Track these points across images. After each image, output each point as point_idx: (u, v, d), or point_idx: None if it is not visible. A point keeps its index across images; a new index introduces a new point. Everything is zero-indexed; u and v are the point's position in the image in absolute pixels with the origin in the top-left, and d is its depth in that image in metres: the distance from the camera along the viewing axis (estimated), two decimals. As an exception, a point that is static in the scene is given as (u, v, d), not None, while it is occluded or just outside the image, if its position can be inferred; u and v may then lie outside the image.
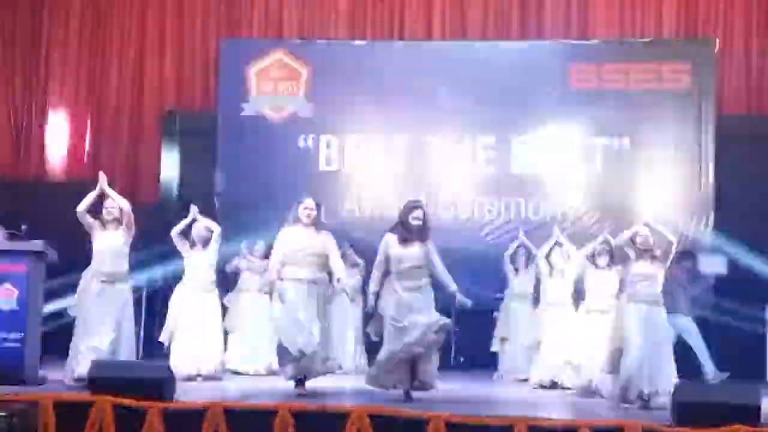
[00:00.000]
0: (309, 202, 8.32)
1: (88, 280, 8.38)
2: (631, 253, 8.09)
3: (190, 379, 8.98)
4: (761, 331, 11.28)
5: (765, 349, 11.34)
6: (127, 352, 8.27)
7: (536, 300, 10.28)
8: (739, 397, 6.53)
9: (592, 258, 9.25)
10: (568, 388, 9.38)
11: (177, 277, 10.07)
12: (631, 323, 7.84)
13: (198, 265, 9.70)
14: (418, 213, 8.07)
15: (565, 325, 9.65)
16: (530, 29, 13.05)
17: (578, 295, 9.56)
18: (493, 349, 10.94)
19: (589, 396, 8.66)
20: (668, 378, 7.59)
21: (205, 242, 9.77)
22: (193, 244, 9.77)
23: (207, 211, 11.98)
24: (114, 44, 13.57)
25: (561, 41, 12.86)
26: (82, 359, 8.00)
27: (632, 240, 8.11)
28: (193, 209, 9.86)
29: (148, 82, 13.49)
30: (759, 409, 6.37)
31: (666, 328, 7.91)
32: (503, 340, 10.80)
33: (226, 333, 10.21)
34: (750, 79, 12.60)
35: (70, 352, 8.26)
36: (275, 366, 10.11)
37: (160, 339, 9.75)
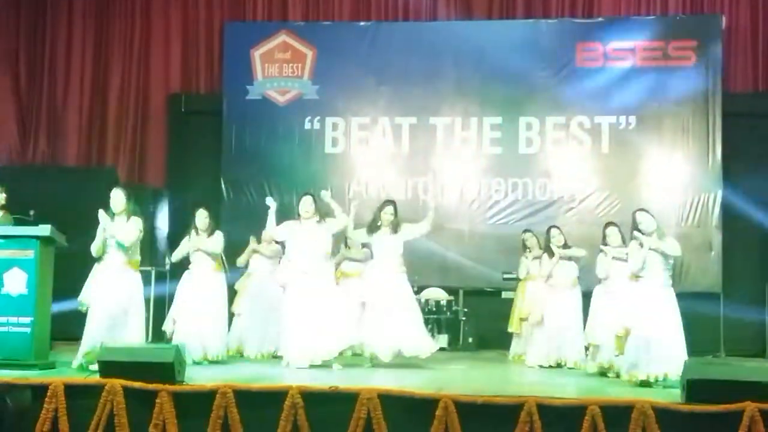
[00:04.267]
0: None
1: (100, 268, 8.38)
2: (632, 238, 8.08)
3: (196, 362, 8.97)
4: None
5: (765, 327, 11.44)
6: (135, 339, 8.29)
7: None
8: (749, 374, 6.52)
9: (603, 238, 9.19)
10: (571, 368, 9.39)
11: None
12: (638, 304, 7.82)
13: (204, 250, 9.63)
14: (388, 209, 9.38)
15: (570, 305, 9.65)
16: (536, 8, 12.95)
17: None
18: (510, 329, 10.88)
19: (601, 376, 8.66)
20: (678, 358, 7.57)
21: (210, 231, 9.66)
22: (196, 231, 9.67)
23: (213, 196, 12.10)
24: (119, 28, 13.52)
25: (566, 20, 12.79)
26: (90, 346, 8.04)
27: (635, 227, 8.09)
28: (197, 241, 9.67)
29: (153, 66, 13.46)
30: (769, 385, 6.36)
31: (674, 308, 7.88)
32: (522, 320, 10.69)
33: (233, 316, 10.21)
34: (756, 55, 12.51)
35: (83, 339, 8.26)
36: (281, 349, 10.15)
37: (164, 328, 9.73)
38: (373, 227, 9.35)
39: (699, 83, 12.21)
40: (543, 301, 9.91)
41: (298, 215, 9.17)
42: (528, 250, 10.75)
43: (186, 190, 12.56)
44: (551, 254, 9.85)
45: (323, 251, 9.08)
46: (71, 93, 13.51)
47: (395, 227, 9.33)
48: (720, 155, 12.01)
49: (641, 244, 7.96)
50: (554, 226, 10.26)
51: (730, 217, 11.88)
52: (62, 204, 10.87)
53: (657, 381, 7.67)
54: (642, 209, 8.26)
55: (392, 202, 9.51)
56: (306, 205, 9.16)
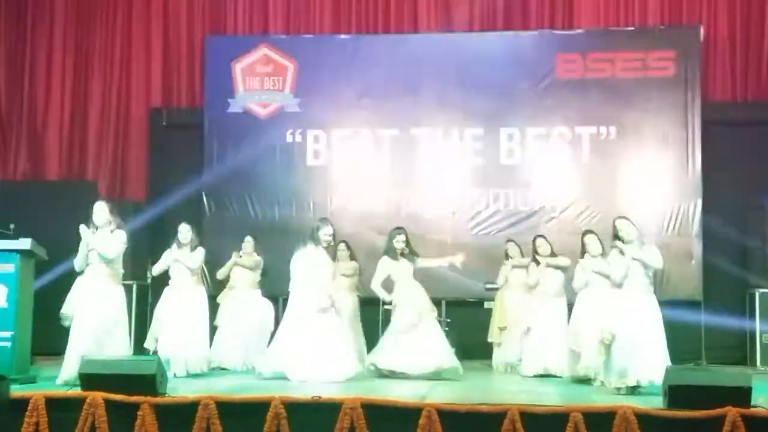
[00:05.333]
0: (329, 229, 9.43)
1: (83, 282, 8.35)
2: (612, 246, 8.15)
3: (178, 376, 8.93)
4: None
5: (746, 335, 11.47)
6: (121, 353, 8.26)
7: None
8: (730, 380, 6.57)
9: (582, 247, 9.25)
10: (560, 377, 9.40)
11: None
12: (622, 310, 7.85)
13: (183, 264, 9.59)
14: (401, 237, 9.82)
15: (556, 314, 9.68)
16: (516, 20, 12.99)
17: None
18: (491, 339, 10.89)
19: (584, 383, 8.68)
20: (661, 364, 7.60)
21: (192, 246, 9.62)
22: (177, 245, 9.64)
23: (195, 209, 12.08)
24: (99, 43, 13.51)
25: (546, 31, 12.84)
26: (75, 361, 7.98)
27: (615, 234, 8.14)
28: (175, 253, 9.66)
29: (134, 80, 13.44)
30: (749, 390, 6.39)
31: (657, 314, 7.92)
32: (501, 329, 10.73)
33: (215, 329, 10.19)
34: (735, 65, 12.59)
35: (66, 353, 8.21)
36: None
37: (146, 345, 9.70)
38: (394, 255, 9.76)
39: (678, 94, 12.25)
40: (529, 310, 9.95)
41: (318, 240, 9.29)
42: (510, 258, 10.83)
43: (167, 204, 12.50)
44: (537, 263, 9.93)
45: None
46: (52, 108, 13.46)
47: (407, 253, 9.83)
48: (700, 164, 12.06)
49: (622, 252, 8.01)
50: (540, 236, 10.35)
51: (710, 226, 11.93)
52: (43, 218, 10.86)
53: (642, 387, 7.70)
54: (622, 217, 8.31)
55: (404, 230, 9.95)
56: (329, 231, 9.33)
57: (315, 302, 9.02)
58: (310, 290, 9.06)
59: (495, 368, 10.67)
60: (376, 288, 9.78)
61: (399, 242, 9.77)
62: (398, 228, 10.01)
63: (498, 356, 10.77)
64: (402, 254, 9.78)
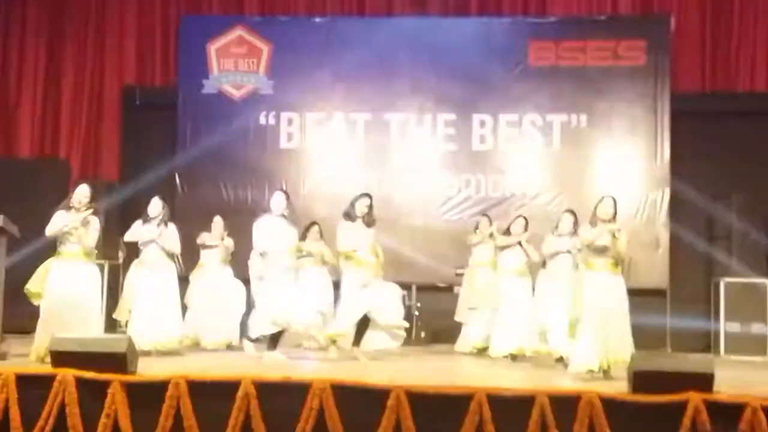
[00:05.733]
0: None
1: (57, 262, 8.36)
2: (590, 222, 8.22)
3: (148, 354, 8.95)
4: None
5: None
6: (93, 331, 8.28)
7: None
8: (693, 366, 6.68)
9: (555, 226, 9.36)
10: (528, 356, 9.49)
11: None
12: (589, 292, 7.94)
13: (163, 247, 9.61)
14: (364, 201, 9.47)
15: (524, 293, 9.78)
16: (489, 5, 13.07)
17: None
18: (458, 318, 10.99)
19: (550, 365, 8.78)
20: (626, 347, 7.71)
21: (162, 220, 9.64)
22: (147, 220, 9.64)
23: (167, 189, 12.06)
24: (74, 19, 13.41)
25: (520, 18, 12.91)
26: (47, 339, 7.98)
27: (594, 209, 8.23)
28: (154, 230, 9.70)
29: (108, 58, 13.37)
30: (712, 377, 6.51)
31: (624, 297, 8.02)
32: (471, 310, 10.79)
33: (185, 307, 10.22)
34: (704, 56, 12.71)
35: (37, 330, 8.22)
36: (235, 341, 10.24)
37: (114, 316, 9.75)
38: (352, 219, 9.43)
39: (648, 83, 12.37)
40: (496, 290, 10.02)
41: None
42: (480, 232, 10.86)
43: (140, 184, 12.47)
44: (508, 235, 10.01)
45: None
46: (24, 85, 13.36)
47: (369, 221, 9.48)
48: (668, 154, 12.20)
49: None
50: (521, 216, 10.39)
51: (677, 215, 12.07)
52: (15, 196, 10.82)
53: (608, 370, 7.80)
54: (609, 195, 8.37)
55: (369, 196, 9.59)
56: (280, 201, 9.29)
57: (253, 269, 9.23)
58: (253, 258, 9.26)
59: (463, 349, 10.71)
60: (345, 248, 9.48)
61: (362, 206, 9.39)
62: (364, 193, 9.62)
63: (464, 338, 10.82)
64: (363, 221, 9.41)
